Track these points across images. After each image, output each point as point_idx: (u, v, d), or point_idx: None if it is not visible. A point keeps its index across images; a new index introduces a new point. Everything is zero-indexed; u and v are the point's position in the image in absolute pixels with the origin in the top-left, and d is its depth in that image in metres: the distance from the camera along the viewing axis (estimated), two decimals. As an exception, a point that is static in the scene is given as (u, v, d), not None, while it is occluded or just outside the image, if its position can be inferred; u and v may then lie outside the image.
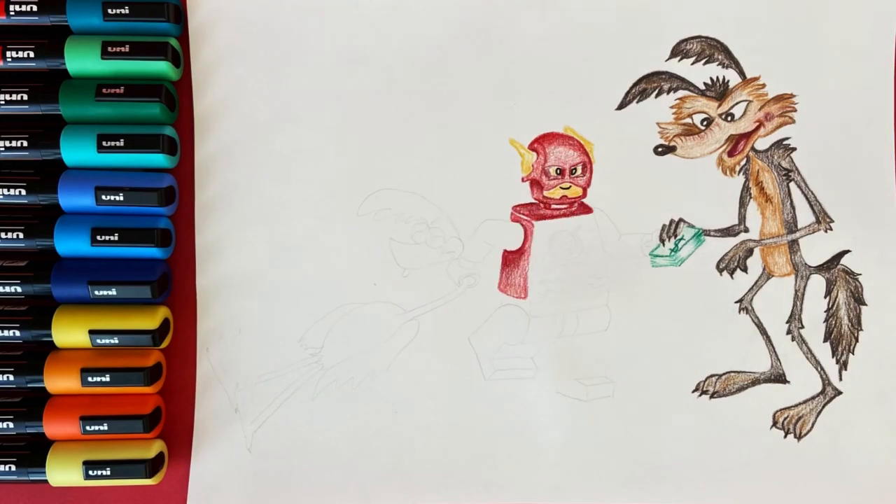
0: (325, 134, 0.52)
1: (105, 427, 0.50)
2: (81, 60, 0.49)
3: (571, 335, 0.52)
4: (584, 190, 0.52)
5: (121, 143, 0.49)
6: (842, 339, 0.53)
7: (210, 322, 0.52)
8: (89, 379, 0.49)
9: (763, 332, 0.52)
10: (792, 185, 0.52)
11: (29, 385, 0.50)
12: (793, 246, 0.53)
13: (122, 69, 0.50)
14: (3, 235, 0.50)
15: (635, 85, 0.52)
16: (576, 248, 0.51)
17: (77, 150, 0.50)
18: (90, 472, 0.49)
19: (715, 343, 0.52)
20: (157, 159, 0.50)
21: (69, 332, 0.50)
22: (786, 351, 0.53)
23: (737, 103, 0.52)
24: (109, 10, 0.49)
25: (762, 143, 0.53)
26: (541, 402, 0.52)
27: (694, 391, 0.52)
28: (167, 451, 0.52)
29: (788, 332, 0.53)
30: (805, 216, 0.53)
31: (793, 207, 0.53)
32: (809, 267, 0.53)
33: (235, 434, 0.52)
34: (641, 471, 0.52)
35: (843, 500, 0.52)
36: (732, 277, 0.52)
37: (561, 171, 0.52)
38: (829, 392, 0.53)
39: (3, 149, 0.50)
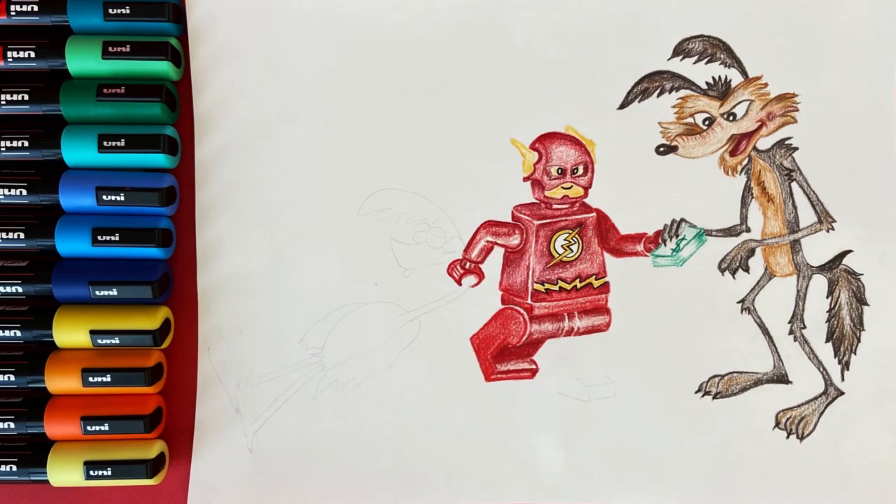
0: (325, 134, 0.52)
1: (106, 427, 0.50)
2: (82, 60, 0.49)
3: (572, 335, 0.52)
4: (586, 190, 0.52)
5: (122, 143, 0.49)
6: (844, 339, 0.52)
7: (211, 322, 0.52)
8: (90, 379, 0.49)
9: (765, 332, 0.52)
10: (794, 184, 0.52)
11: (30, 385, 0.50)
12: (795, 246, 0.52)
13: (122, 69, 0.50)
14: (4, 235, 0.50)
15: (637, 84, 0.52)
16: None
17: (78, 150, 0.50)
18: (91, 473, 0.49)
19: (717, 343, 0.52)
20: (158, 159, 0.50)
21: (70, 333, 0.50)
22: (788, 351, 0.52)
23: (739, 103, 0.52)
24: (110, 10, 0.49)
25: (764, 143, 0.52)
26: (541, 403, 0.52)
27: (696, 392, 0.52)
28: (168, 452, 0.52)
29: (790, 332, 0.52)
30: (807, 216, 0.52)
31: (795, 207, 0.52)
32: (811, 267, 0.52)
33: (236, 434, 0.52)
34: (643, 472, 0.52)
35: (846, 501, 0.52)
36: (734, 277, 0.52)
37: (562, 171, 0.52)
38: (831, 392, 0.52)
39: (4, 149, 0.50)
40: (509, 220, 0.52)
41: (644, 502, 0.52)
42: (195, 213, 0.52)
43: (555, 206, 0.52)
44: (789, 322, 0.53)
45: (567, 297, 0.52)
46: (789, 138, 0.52)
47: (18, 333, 0.50)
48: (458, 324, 0.52)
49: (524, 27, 0.52)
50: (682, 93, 0.52)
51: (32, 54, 0.50)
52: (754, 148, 0.52)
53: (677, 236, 0.52)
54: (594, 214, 0.52)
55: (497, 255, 0.52)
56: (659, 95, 0.52)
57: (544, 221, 0.52)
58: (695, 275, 0.52)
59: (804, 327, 0.53)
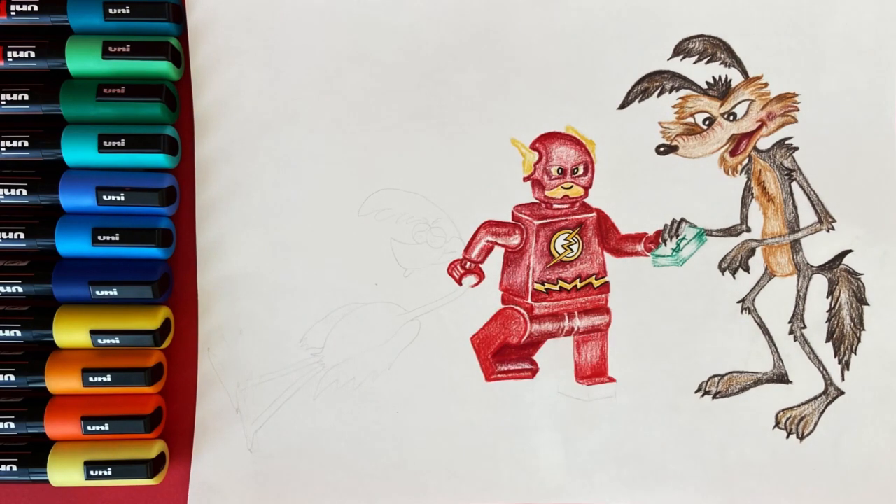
0: (325, 134, 0.52)
1: (106, 427, 0.50)
2: (82, 60, 0.49)
3: (572, 335, 0.52)
4: (586, 189, 0.52)
5: (122, 143, 0.49)
6: (844, 339, 0.52)
7: (211, 322, 0.52)
8: (90, 379, 0.49)
9: (765, 332, 0.52)
10: (794, 184, 0.52)
11: (30, 385, 0.50)
12: (795, 246, 0.52)
13: (122, 69, 0.50)
14: (4, 235, 0.50)
15: (637, 84, 0.52)
16: None
17: (78, 150, 0.50)
18: (91, 473, 0.49)
19: (717, 343, 0.52)
20: (158, 159, 0.50)
21: (70, 333, 0.50)
22: (788, 351, 0.52)
23: (739, 102, 0.52)
24: (110, 10, 0.49)
25: (764, 143, 0.52)
26: (542, 403, 0.52)
27: (696, 391, 0.52)
28: (168, 452, 0.52)
29: (791, 332, 0.52)
30: (807, 216, 0.52)
31: (795, 207, 0.52)
32: (811, 267, 0.52)
33: (236, 434, 0.52)
34: (643, 471, 0.52)
35: (846, 501, 0.52)
36: (734, 277, 0.52)
37: (562, 171, 0.52)
38: (831, 392, 0.52)
39: (4, 149, 0.50)
40: (509, 220, 0.52)
41: (644, 502, 0.52)
42: (195, 213, 0.52)
43: (555, 206, 0.52)
44: (789, 322, 0.53)
45: (567, 297, 0.52)
46: (789, 138, 0.52)
47: (18, 333, 0.50)
48: (458, 324, 0.52)
49: (524, 27, 0.52)
50: (683, 92, 0.52)
51: (32, 54, 0.50)
52: (754, 148, 0.52)
53: (677, 236, 0.52)
54: (594, 214, 0.52)
55: (497, 254, 0.52)
56: (659, 95, 0.52)
57: (544, 221, 0.52)
58: (695, 275, 0.52)
59: (804, 327, 0.53)
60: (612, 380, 0.52)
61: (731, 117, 0.52)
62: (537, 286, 0.52)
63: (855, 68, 0.52)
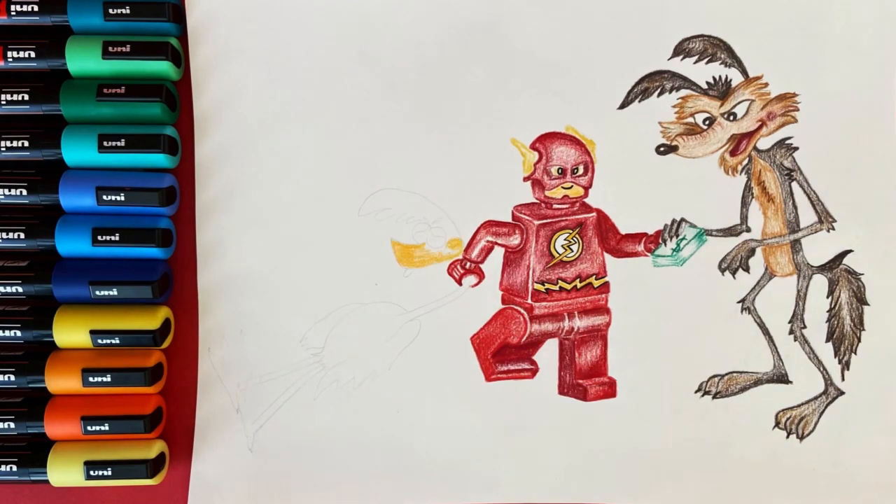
0: (325, 134, 0.52)
1: (106, 427, 0.50)
2: (82, 60, 0.49)
3: (572, 335, 0.52)
4: (586, 189, 0.52)
5: (122, 143, 0.49)
6: (844, 339, 0.52)
7: (211, 322, 0.52)
8: (90, 379, 0.49)
9: (765, 332, 0.52)
10: (794, 184, 0.52)
11: (30, 385, 0.50)
12: (795, 246, 0.52)
13: (122, 69, 0.50)
14: (4, 235, 0.50)
15: (637, 84, 0.52)
16: None
17: (78, 150, 0.50)
18: (91, 473, 0.49)
19: (717, 343, 0.52)
20: (158, 159, 0.50)
21: (70, 333, 0.50)
22: (788, 351, 0.52)
23: (739, 102, 0.52)
24: (110, 10, 0.49)
25: (764, 143, 0.52)
26: (542, 403, 0.52)
27: (696, 391, 0.52)
28: (168, 452, 0.52)
29: (791, 332, 0.52)
30: (807, 216, 0.52)
31: (795, 207, 0.52)
32: (812, 267, 0.52)
33: (237, 434, 0.52)
34: (643, 471, 0.52)
35: (846, 501, 0.52)
36: (734, 277, 0.52)
37: (562, 171, 0.52)
38: (831, 392, 0.52)
39: (4, 149, 0.50)
40: (509, 220, 0.52)
41: (644, 502, 0.52)
42: (195, 213, 0.52)
43: (555, 206, 0.52)
44: (789, 322, 0.53)
45: (567, 297, 0.52)
46: (789, 138, 0.52)
47: (18, 333, 0.50)
48: (458, 324, 0.52)
49: (524, 27, 0.52)
50: (683, 92, 0.52)
51: (32, 54, 0.50)
52: (754, 148, 0.52)
53: (677, 236, 0.52)
54: (594, 214, 0.52)
55: (497, 254, 0.52)
56: (659, 95, 0.52)
57: (544, 221, 0.52)
58: (695, 275, 0.52)
59: (804, 327, 0.53)
60: (611, 379, 0.52)
61: (731, 117, 0.52)
62: (537, 286, 0.52)
63: (855, 68, 0.52)
